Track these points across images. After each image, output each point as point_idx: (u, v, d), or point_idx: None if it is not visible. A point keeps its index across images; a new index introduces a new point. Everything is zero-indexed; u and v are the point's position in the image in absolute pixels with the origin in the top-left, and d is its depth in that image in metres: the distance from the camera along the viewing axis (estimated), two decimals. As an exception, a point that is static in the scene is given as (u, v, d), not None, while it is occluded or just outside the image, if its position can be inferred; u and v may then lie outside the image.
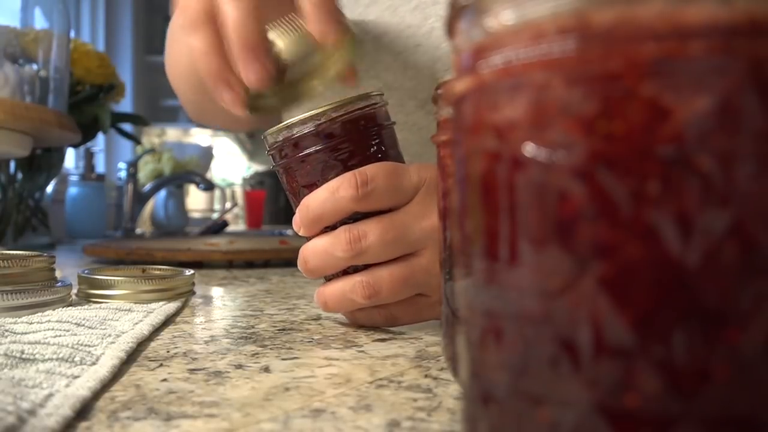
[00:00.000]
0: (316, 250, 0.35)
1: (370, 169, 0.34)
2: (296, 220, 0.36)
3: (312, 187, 0.35)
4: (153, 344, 0.33)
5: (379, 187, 0.33)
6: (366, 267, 0.35)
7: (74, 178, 1.39)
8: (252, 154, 3.28)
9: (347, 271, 0.35)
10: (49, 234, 1.05)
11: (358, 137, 0.35)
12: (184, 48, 0.46)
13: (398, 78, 0.47)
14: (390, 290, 0.34)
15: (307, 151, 0.35)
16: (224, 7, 0.34)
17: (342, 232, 0.34)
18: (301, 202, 0.35)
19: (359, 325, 0.38)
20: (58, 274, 0.45)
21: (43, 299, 0.39)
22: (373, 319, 0.36)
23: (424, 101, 0.48)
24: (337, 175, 0.35)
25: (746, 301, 0.11)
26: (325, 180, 0.35)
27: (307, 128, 0.34)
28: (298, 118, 0.35)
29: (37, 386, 0.23)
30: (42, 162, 1.01)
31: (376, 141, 0.36)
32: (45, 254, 0.45)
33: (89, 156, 1.39)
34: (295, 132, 0.35)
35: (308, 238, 0.36)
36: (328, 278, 0.36)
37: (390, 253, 0.34)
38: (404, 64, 0.47)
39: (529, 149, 0.13)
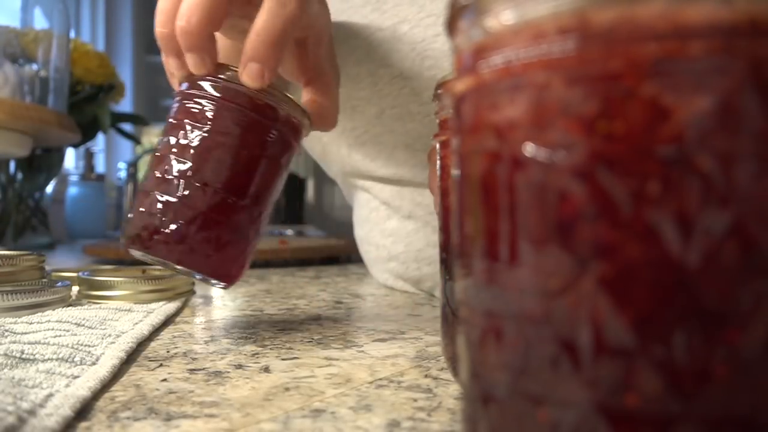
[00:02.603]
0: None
1: None
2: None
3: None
4: (153, 344, 0.33)
5: None
6: None
7: (74, 178, 1.39)
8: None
9: None
10: (49, 234, 1.05)
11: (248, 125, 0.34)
12: None
13: (415, 67, 0.47)
14: None
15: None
16: None
17: None
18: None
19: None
20: (57, 275, 0.45)
21: (43, 299, 0.39)
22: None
23: None
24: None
25: (746, 301, 0.11)
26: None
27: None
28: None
29: (37, 386, 0.23)
30: (42, 162, 1.01)
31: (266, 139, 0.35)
32: (35, 253, 0.45)
33: (89, 156, 1.39)
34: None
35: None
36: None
37: None
38: (422, 53, 0.47)
39: (529, 149, 0.13)
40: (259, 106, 0.34)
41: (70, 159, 1.64)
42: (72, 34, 1.00)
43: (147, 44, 2.66)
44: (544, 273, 0.13)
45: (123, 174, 1.43)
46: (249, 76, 0.33)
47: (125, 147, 2.12)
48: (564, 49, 0.12)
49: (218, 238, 0.33)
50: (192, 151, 0.33)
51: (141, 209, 0.33)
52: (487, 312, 0.14)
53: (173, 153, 0.33)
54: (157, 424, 0.21)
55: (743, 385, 0.11)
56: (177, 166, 0.33)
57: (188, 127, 0.33)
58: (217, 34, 0.36)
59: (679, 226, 0.11)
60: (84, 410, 0.22)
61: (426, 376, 0.27)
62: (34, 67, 0.87)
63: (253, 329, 0.37)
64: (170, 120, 0.35)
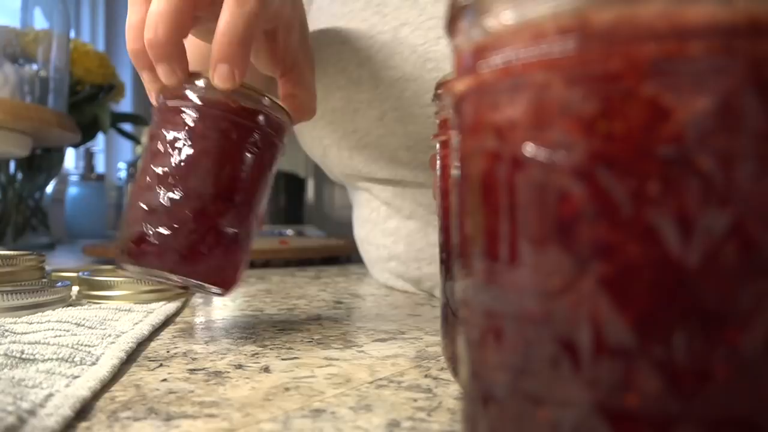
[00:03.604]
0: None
1: None
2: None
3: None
4: (153, 344, 0.33)
5: None
6: None
7: (74, 178, 1.39)
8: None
9: None
10: (49, 234, 1.05)
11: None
12: None
13: (416, 70, 0.47)
14: None
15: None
16: None
17: None
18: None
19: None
20: (56, 274, 0.45)
21: (43, 299, 0.39)
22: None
23: None
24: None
25: (746, 301, 0.11)
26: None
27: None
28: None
29: (37, 386, 0.23)
30: (42, 162, 1.01)
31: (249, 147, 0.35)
32: (35, 253, 0.45)
33: (89, 156, 1.39)
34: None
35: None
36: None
37: None
38: (424, 56, 0.47)
39: (529, 149, 0.13)
40: (235, 109, 0.33)
41: (70, 159, 1.64)
42: (72, 34, 1.00)
43: (147, 44, 2.64)
44: (544, 273, 0.13)
45: (123, 174, 1.44)
46: (219, 78, 0.33)
47: (125, 147, 2.12)
48: (564, 49, 0.12)
49: (208, 242, 0.33)
50: (174, 159, 0.33)
51: (128, 221, 0.33)
52: (487, 312, 0.14)
53: (155, 162, 0.33)
54: (157, 424, 0.21)
55: (743, 385, 0.11)
56: (160, 175, 0.33)
57: (168, 137, 0.33)
58: (196, 40, 0.36)
59: (679, 226, 0.11)
60: (84, 410, 0.22)
61: (426, 376, 0.27)
62: (34, 67, 0.87)
63: (253, 329, 0.37)
64: (151, 132, 0.35)
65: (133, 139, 1.37)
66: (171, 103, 0.34)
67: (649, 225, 0.12)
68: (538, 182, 0.13)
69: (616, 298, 0.12)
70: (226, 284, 0.34)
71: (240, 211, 0.34)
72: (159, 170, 0.33)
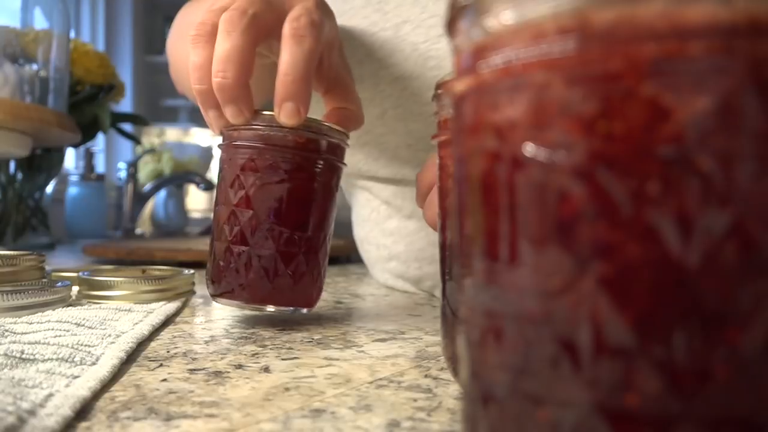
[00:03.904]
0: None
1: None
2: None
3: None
4: (153, 344, 0.33)
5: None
6: None
7: (74, 178, 1.39)
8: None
9: None
10: (49, 234, 1.05)
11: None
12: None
13: (417, 68, 0.47)
14: None
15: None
16: (219, 36, 0.35)
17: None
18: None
19: None
20: (56, 275, 0.45)
21: (43, 299, 0.39)
22: None
23: None
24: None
25: (746, 301, 0.11)
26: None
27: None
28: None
29: (37, 386, 0.23)
30: (42, 162, 1.01)
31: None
32: (35, 253, 0.45)
33: (89, 156, 1.39)
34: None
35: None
36: None
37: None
38: (425, 54, 0.47)
39: (529, 149, 0.13)
40: (301, 143, 0.36)
41: (70, 159, 1.64)
42: (72, 34, 1.00)
43: (147, 44, 2.65)
44: (544, 273, 0.13)
45: (123, 174, 1.43)
46: (286, 115, 0.34)
47: (125, 147, 2.12)
48: (564, 49, 0.12)
49: (294, 272, 0.36)
50: (251, 199, 0.35)
51: (220, 263, 0.36)
52: (487, 312, 0.14)
53: (235, 205, 0.36)
54: (157, 424, 0.21)
55: (743, 385, 0.11)
56: (241, 217, 0.35)
57: (242, 177, 0.36)
58: None
59: (679, 226, 0.11)
60: (84, 410, 0.22)
61: (426, 376, 0.27)
62: (34, 67, 0.86)
63: (253, 329, 0.37)
64: (222, 173, 0.38)
65: (133, 139, 1.37)
66: (239, 141, 0.36)
67: (649, 225, 0.12)
68: (538, 182, 0.13)
69: (616, 298, 0.12)
70: (311, 303, 0.38)
71: (316, 236, 0.37)
72: (238, 210, 0.36)
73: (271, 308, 0.37)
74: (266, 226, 0.35)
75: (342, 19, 0.51)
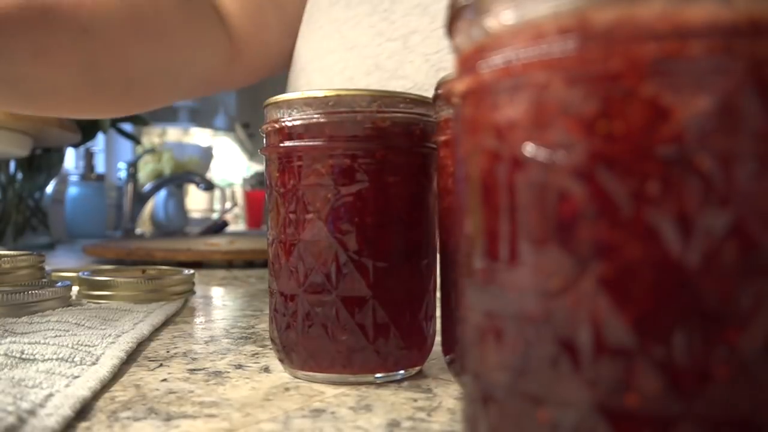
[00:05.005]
0: None
1: None
2: None
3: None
4: (153, 344, 0.33)
5: None
6: None
7: (74, 178, 1.39)
8: (252, 154, 3.28)
9: None
10: (49, 234, 1.05)
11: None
12: None
13: (429, 79, 0.47)
14: None
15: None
16: None
17: None
18: None
19: None
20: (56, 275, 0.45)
21: (43, 299, 0.39)
22: None
23: None
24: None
25: (746, 301, 0.11)
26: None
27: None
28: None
29: (37, 386, 0.23)
30: (42, 162, 1.01)
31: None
32: (35, 253, 0.45)
33: (89, 156, 1.39)
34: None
35: None
36: None
37: None
38: (437, 65, 0.46)
39: (529, 149, 0.13)
40: (385, 129, 0.26)
41: (70, 159, 1.64)
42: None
43: (147, 44, 2.64)
44: (544, 273, 0.13)
45: (123, 174, 1.43)
46: None
47: (125, 147, 2.12)
48: (564, 49, 0.12)
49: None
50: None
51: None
52: (487, 312, 0.14)
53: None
54: (157, 424, 0.21)
55: (743, 385, 0.11)
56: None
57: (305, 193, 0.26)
58: None
59: (679, 226, 0.11)
60: (84, 410, 0.22)
61: (426, 376, 0.27)
62: (34, 67, 0.86)
63: (253, 329, 0.37)
64: (277, 189, 0.27)
65: (133, 139, 1.37)
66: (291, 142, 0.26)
67: (649, 225, 0.12)
68: (538, 182, 0.13)
69: (616, 298, 0.12)
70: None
71: (431, 264, 0.28)
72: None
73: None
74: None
75: (345, 27, 0.51)
